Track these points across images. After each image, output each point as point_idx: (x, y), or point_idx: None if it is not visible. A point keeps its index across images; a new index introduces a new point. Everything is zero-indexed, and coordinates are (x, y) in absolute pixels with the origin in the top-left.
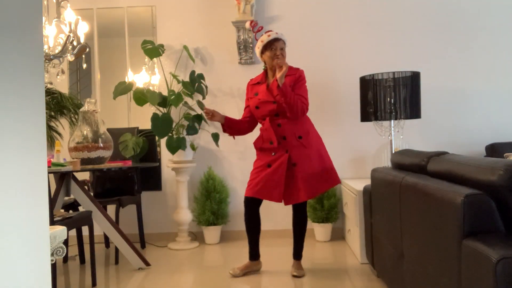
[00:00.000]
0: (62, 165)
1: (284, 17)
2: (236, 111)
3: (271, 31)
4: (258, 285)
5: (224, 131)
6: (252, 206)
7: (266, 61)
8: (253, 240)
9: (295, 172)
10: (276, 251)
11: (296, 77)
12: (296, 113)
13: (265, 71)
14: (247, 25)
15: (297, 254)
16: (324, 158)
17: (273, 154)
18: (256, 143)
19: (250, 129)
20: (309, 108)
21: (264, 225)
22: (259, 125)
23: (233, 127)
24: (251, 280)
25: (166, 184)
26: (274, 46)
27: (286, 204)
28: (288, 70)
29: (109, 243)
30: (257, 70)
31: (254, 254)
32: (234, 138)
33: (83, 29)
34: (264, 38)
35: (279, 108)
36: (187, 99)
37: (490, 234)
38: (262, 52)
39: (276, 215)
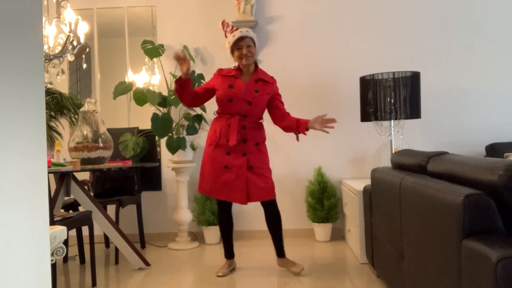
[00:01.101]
0: (62, 165)
1: (284, 17)
2: None
3: (236, 30)
4: (259, 285)
5: (178, 86)
6: (225, 207)
7: (237, 62)
8: (229, 239)
9: (253, 173)
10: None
11: (274, 86)
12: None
13: (239, 69)
14: (219, 25)
15: (280, 251)
16: (269, 168)
17: (227, 153)
18: (211, 138)
19: (194, 101)
20: (309, 108)
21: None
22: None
23: (186, 91)
24: (251, 280)
25: (166, 184)
26: (239, 45)
27: (243, 203)
28: (263, 75)
29: (109, 243)
30: None
31: (231, 252)
32: (176, 93)
33: (83, 29)
34: (229, 39)
35: (252, 109)
36: None
37: (490, 234)
38: (232, 52)
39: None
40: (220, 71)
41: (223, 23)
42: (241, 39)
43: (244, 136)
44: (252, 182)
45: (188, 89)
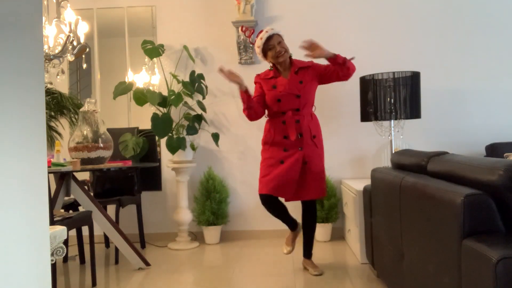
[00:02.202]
0: (62, 165)
1: (284, 17)
2: (236, 111)
3: (261, 32)
4: (259, 285)
5: (242, 96)
6: (270, 202)
7: (273, 61)
8: (285, 218)
9: (306, 170)
10: (278, 251)
11: (315, 66)
12: (350, 74)
13: (275, 67)
14: (240, 30)
15: (309, 252)
16: (324, 163)
17: (284, 150)
18: (267, 137)
19: (259, 115)
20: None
21: (265, 225)
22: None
23: (250, 101)
24: (252, 280)
25: (166, 184)
26: (271, 45)
27: (292, 200)
28: (300, 63)
29: (109, 243)
30: (257, 70)
31: (293, 224)
32: (245, 111)
33: (83, 29)
34: (259, 43)
35: (303, 101)
36: (187, 99)
37: (490, 234)
38: (265, 56)
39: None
40: (257, 77)
41: (242, 28)
42: (269, 38)
43: (300, 130)
44: (304, 179)
45: (254, 103)
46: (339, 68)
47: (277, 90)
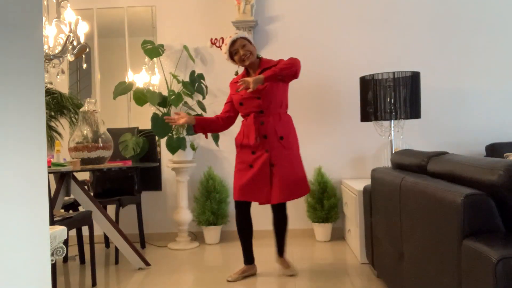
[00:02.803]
0: (62, 165)
1: (284, 17)
2: None
3: (226, 38)
4: (258, 285)
5: (196, 131)
6: (243, 208)
7: (240, 65)
8: (247, 244)
9: (273, 173)
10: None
11: (278, 63)
12: (292, 71)
13: (245, 69)
14: (209, 44)
15: (281, 250)
16: (300, 163)
17: (252, 152)
18: (237, 139)
19: (226, 126)
20: (309, 108)
21: (265, 225)
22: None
23: (206, 128)
24: (250, 282)
25: (166, 184)
26: (235, 49)
27: (263, 203)
28: (267, 63)
29: (109, 243)
30: None
31: (249, 258)
32: (206, 137)
33: (83, 29)
34: (224, 49)
35: (265, 103)
36: (187, 99)
37: (490, 234)
38: (233, 60)
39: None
40: (232, 80)
41: (211, 41)
42: (233, 43)
43: (264, 132)
44: (273, 182)
45: (209, 125)
46: (285, 75)
47: (239, 94)
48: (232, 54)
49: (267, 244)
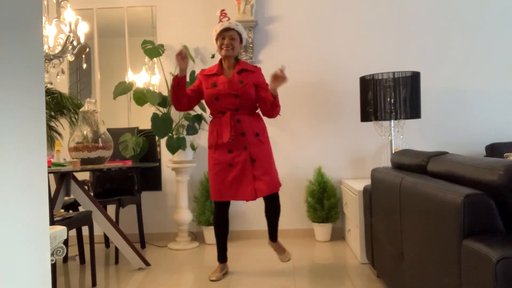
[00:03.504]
0: (62, 165)
1: (284, 17)
2: None
3: (226, 18)
4: (257, 285)
5: (174, 84)
6: (224, 208)
7: (217, 51)
8: (225, 242)
9: (255, 167)
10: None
11: (259, 75)
12: (276, 113)
13: (220, 64)
14: (218, 12)
15: (274, 235)
16: (273, 160)
17: (229, 151)
18: (210, 140)
19: (188, 105)
20: (309, 108)
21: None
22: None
23: (180, 90)
24: (252, 280)
25: (166, 184)
26: (223, 35)
27: (251, 199)
28: (245, 65)
29: (109, 243)
30: None
31: (224, 257)
32: (174, 94)
33: (83, 29)
34: (217, 27)
35: (242, 102)
36: None
37: (490, 234)
38: (216, 41)
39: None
40: (202, 71)
41: (222, 12)
42: (227, 29)
43: (241, 130)
44: (257, 176)
45: (183, 89)
46: (268, 103)
47: (216, 89)
48: (218, 37)
49: (262, 245)
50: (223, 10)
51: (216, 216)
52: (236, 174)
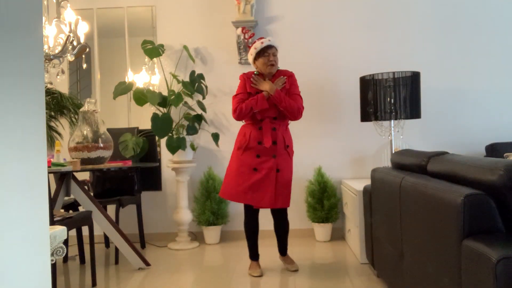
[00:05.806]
0: (62, 165)
1: (284, 17)
2: None
3: (263, 38)
4: (259, 285)
5: (261, 105)
6: (253, 211)
7: (260, 68)
8: (256, 242)
9: (278, 178)
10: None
11: (292, 79)
12: (293, 113)
13: (260, 75)
14: (239, 31)
15: (284, 250)
16: (292, 174)
17: (257, 156)
18: (241, 141)
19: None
20: (309, 108)
21: (265, 225)
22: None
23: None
24: (253, 280)
25: (166, 184)
26: (267, 53)
27: (268, 207)
28: (280, 73)
29: (109, 243)
30: None
31: (257, 254)
32: (259, 117)
33: (83, 29)
34: (257, 45)
35: (281, 112)
36: (187, 99)
37: (490, 234)
38: (255, 59)
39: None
40: (245, 75)
41: (243, 29)
42: (269, 47)
43: (275, 138)
44: (278, 186)
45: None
46: (284, 111)
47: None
48: (260, 55)
49: (262, 245)
50: (243, 28)
51: (247, 219)
52: (259, 179)
